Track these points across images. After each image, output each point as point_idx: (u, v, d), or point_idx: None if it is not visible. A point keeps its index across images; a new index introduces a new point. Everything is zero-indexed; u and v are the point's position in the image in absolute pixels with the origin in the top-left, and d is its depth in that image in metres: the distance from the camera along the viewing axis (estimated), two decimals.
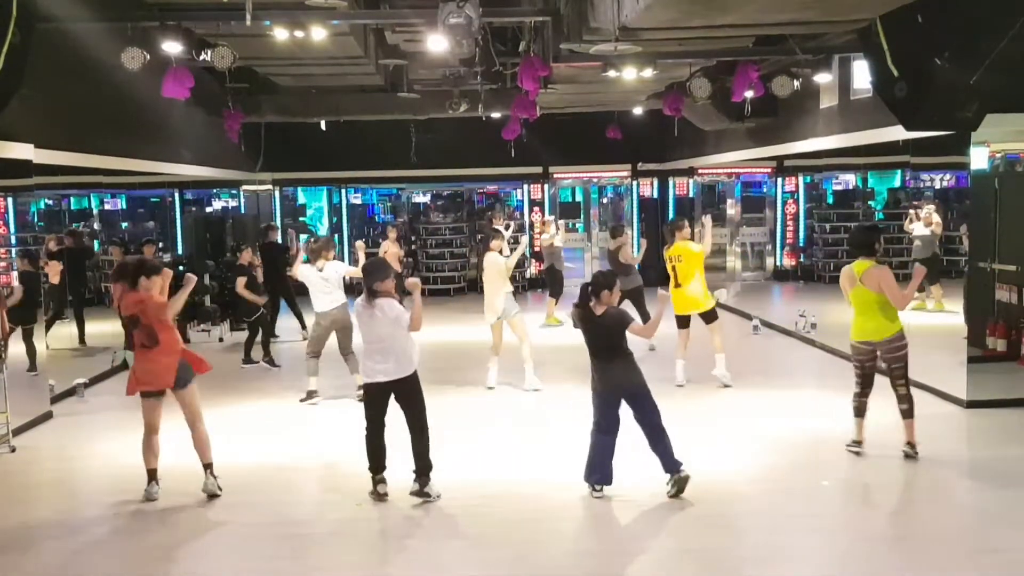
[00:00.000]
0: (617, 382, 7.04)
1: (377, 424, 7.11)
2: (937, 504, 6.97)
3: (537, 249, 18.84)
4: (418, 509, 6.96)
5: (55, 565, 6.24)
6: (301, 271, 10.60)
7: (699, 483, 7.41)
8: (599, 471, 7.10)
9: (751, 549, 6.23)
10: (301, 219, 22.68)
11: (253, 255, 13.39)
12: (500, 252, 11.04)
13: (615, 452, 7.11)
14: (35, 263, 10.98)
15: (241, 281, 12.68)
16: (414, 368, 7.06)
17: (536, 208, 21.46)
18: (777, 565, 5.94)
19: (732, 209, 20.96)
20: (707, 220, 11.53)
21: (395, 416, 7.18)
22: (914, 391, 10.09)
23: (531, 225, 21.06)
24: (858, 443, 8.04)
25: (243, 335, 13.67)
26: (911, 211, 13.39)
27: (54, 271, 11.36)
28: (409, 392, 7.06)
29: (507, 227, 13.77)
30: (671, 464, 7.06)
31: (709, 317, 10.81)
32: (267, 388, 11.32)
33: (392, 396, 7.07)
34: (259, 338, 12.85)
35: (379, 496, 7.09)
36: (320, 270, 10.41)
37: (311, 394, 10.45)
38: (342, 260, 16.28)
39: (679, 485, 7.00)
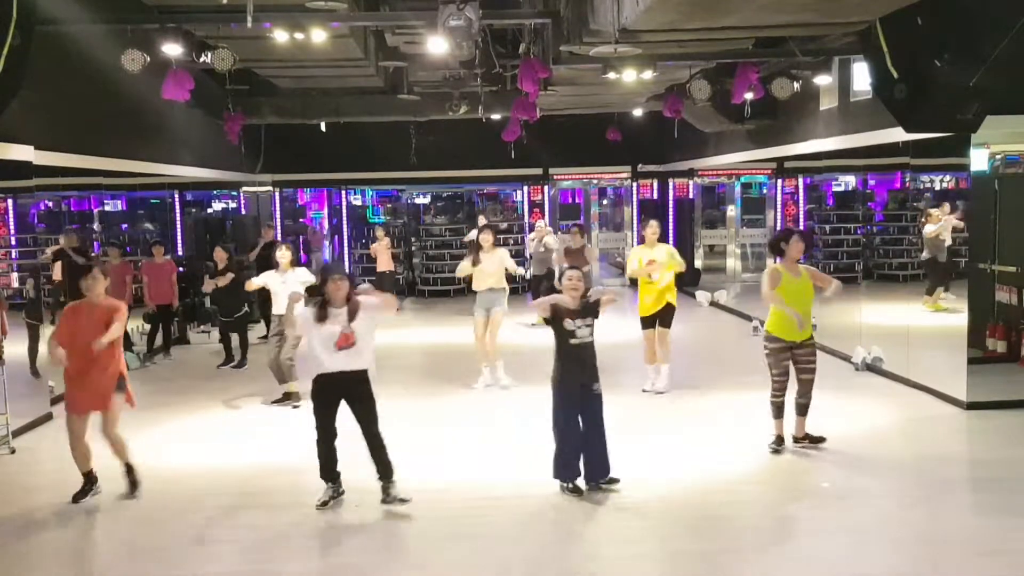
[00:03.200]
0: None
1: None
2: (937, 506, 6.97)
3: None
4: (417, 511, 6.95)
5: (53, 566, 6.23)
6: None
7: (697, 484, 7.42)
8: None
9: (750, 551, 6.23)
10: (301, 220, 22.70)
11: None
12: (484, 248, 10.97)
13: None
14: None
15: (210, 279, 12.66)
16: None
17: (536, 211, 21.49)
18: (775, 566, 5.94)
19: (732, 211, 20.98)
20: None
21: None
22: (914, 392, 10.19)
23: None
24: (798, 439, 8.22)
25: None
26: (922, 217, 13.23)
27: (55, 271, 11.44)
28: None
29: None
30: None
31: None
32: (262, 390, 11.30)
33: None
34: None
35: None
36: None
37: (296, 396, 10.38)
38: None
39: None
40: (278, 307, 10.14)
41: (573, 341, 7.05)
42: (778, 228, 19.73)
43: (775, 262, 8.23)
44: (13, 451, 8.74)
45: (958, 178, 12.96)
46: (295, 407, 10.09)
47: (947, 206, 12.55)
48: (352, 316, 6.78)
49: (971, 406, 9.35)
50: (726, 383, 10.91)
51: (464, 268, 11.10)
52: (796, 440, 8.16)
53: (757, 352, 12.68)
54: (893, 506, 7.02)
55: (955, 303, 11.92)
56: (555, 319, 7.08)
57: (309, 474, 7.59)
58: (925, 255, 12.65)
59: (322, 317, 6.80)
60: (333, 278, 6.82)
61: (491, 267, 10.88)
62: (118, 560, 6.35)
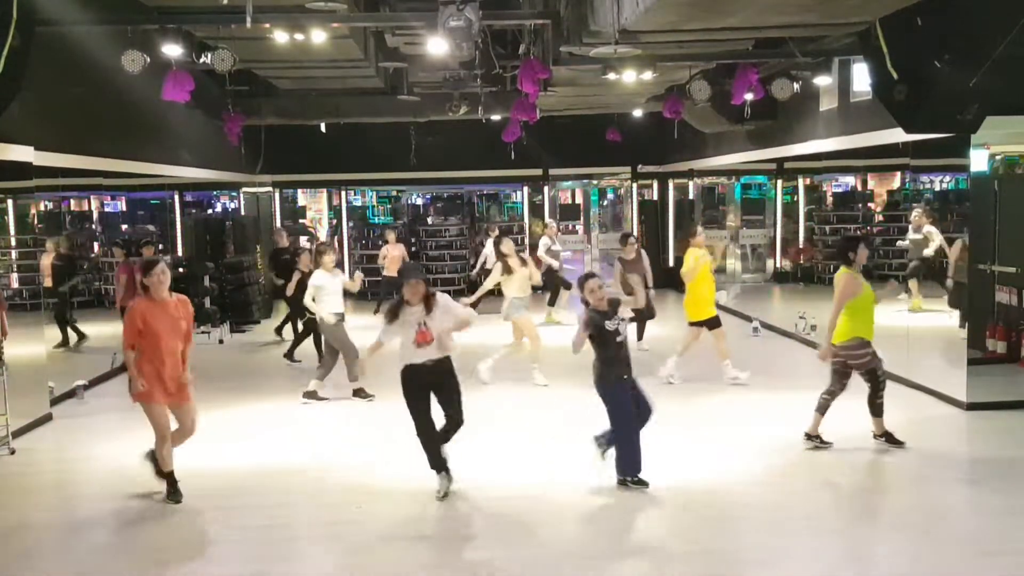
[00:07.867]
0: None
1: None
2: (937, 506, 6.97)
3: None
4: (423, 510, 6.96)
5: (53, 567, 6.23)
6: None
7: (699, 484, 7.42)
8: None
9: (751, 551, 6.23)
10: (301, 221, 22.70)
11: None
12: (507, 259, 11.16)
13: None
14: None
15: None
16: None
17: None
18: (777, 567, 5.94)
19: (731, 212, 20.98)
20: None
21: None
22: (914, 393, 10.19)
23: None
24: (811, 437, 8.24)
25: (242, 337, 13.70)
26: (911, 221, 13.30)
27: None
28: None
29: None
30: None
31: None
32: (263, 390, 11.32)
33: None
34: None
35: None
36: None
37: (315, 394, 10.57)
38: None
39: None
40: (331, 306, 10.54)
41: (619, 339, 7.20)
42: (779, 229, 19.74)
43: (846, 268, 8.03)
44: (13, 451, 8.74)
45: (958, 179, 12.97)
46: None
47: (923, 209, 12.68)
48: (428, 314, 7.12)
49: (971, 407, 9.36)
50: (726, 384, 10.90)
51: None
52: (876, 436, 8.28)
53: (757, 353, 12.69)
54: (893, 506, 7.02)
55: (911, 303, 11.99)
56: (598, 330, 7.15)
57: (309, 473, 7.61)
58: None
59: (395, 317, 7.16)
60: (409, 282, 7.18)
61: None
62: (117, 562, 6.34)
